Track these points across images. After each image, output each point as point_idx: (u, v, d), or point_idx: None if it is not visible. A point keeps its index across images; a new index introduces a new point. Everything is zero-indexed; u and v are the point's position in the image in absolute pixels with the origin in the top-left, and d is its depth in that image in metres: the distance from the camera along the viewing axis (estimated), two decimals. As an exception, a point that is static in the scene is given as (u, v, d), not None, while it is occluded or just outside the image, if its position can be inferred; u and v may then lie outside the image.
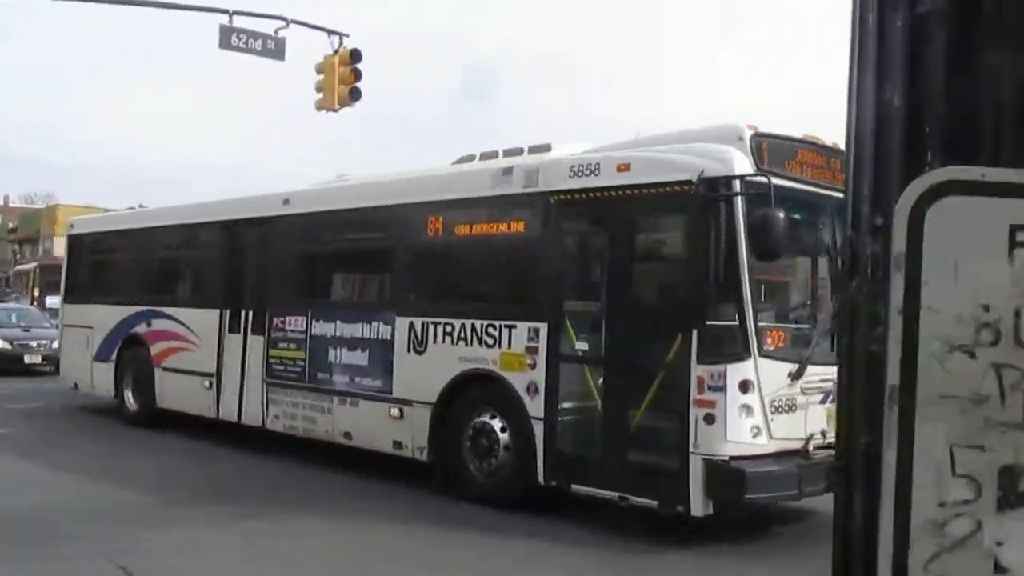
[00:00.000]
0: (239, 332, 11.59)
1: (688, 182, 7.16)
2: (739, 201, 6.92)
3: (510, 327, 8.26)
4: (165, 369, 12.78)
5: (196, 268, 13.01)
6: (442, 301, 9.10)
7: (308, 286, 11.07)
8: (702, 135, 7.46)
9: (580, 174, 7.98)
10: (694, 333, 6.93)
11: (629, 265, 7.88)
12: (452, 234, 9.06)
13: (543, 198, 8.18)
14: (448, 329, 8.79)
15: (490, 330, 8.41)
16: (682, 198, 7.20)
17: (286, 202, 11.17)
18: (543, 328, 8.00)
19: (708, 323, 6.90)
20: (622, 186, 7.67)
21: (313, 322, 10.41)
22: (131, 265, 14.02)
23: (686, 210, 7.23)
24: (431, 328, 8.94)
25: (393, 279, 9.80)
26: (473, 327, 8.55)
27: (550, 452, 7.83)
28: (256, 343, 11.21)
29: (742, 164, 7.07)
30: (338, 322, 10.08)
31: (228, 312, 11.86)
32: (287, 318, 10.75)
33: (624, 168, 7.71)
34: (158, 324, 12.90)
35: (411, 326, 9.14)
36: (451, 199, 8.98)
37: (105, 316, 13.93)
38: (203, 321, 12.10)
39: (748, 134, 7.22)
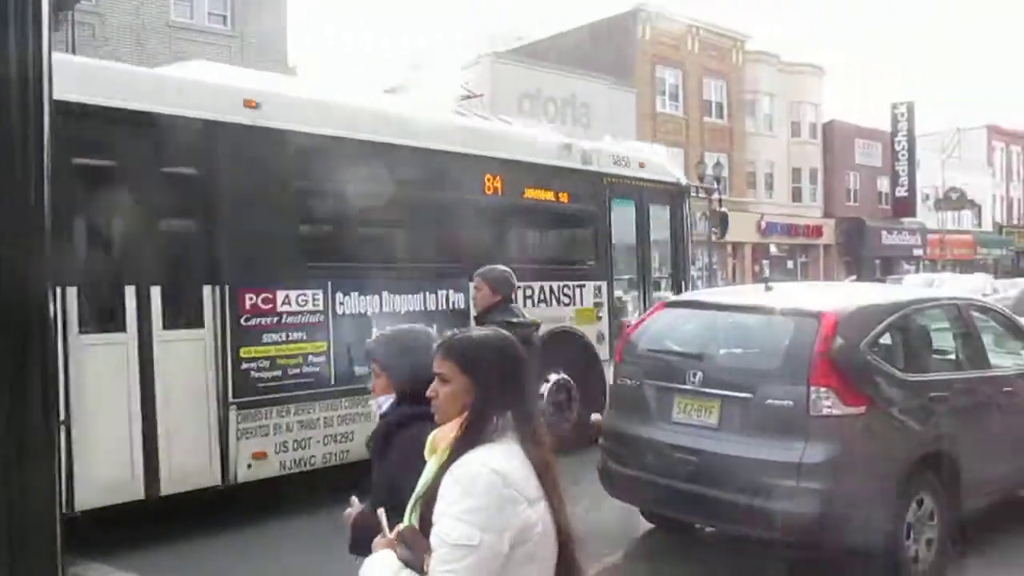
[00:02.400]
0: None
1: (673, 183, 10.89)
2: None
3: (580, 286, 9.78)
4: None
5: None
6: (519, 263, 7.94)
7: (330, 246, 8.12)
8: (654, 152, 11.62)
9: (619, 164, 10.35)
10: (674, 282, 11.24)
11: (641, 233, 10.78)
12: (520, 195, 9.24)
13: (598, 176, 10.05)
14: (528, 292, 9.08)
15: (565, 290, 9.57)
16: (670, 193, 10.87)
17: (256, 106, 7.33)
18: (603, 286, 10.04)
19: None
20: (640, 178, 10.56)
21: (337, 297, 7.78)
22: None
23: (672, 201, 10.91)
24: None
25: (463, 241, 8.74)
26: (551, 288, 9.41)
27: None
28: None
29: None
30: (384, 293, 8.09)
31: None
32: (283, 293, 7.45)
33: (642, 166, 10.63)
34: None
35: None
36: (523, 160, 9.20)
37: None
38: None
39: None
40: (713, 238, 29.47)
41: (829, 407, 5.60)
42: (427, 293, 8.36)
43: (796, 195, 46.27)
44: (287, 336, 7.39)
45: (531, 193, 9.31)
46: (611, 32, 36.16)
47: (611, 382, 6.72)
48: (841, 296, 6.85)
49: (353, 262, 7.91)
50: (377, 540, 2.41)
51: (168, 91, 6.79)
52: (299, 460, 7.44)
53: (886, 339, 6.45)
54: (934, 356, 6.98)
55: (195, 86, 7.03)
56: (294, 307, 7.40)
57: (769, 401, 5.75)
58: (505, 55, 33.36)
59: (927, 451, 6.02)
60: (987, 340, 7.40)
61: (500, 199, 9.04)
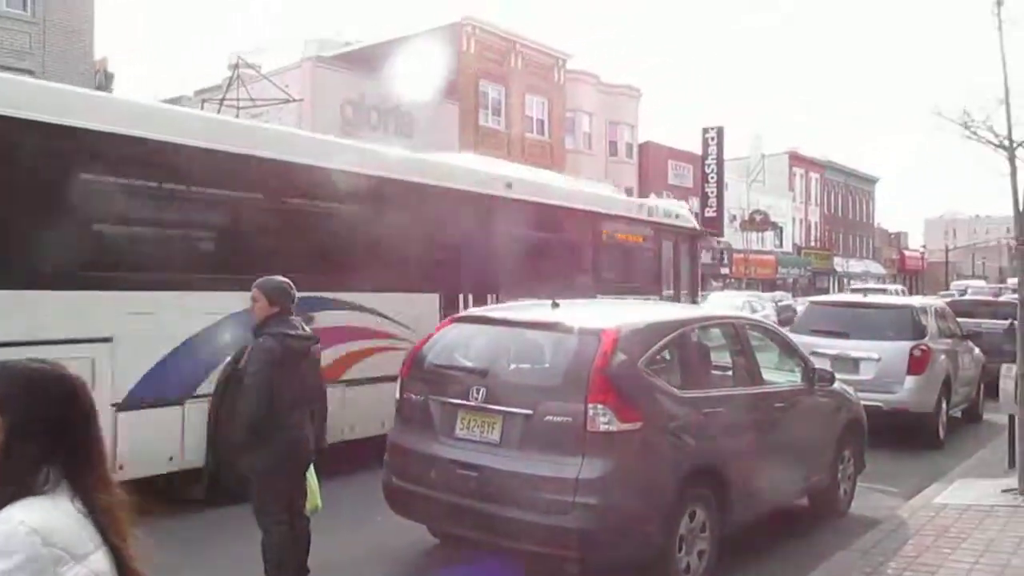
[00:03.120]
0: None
1: (695, 229, 16.99)
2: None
3: (647, 297, 14.92)
4: (349, 383, 9.59)
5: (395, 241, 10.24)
6: (611, 284, 14.19)
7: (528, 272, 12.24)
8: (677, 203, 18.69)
9: (668, 216, 16.14)
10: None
11: (677, 265, 16.41)
12: (615, 237, 14.93)
13: (656, 224, 15.82)
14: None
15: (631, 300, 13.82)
16: (690, 236, 16.66)
17: (509, 186, 12.40)
18: (655, 299, 15.41)
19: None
20: (677, 226, 16.31)
21: None
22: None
23: (691, 242, 16.63)
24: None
25: (584, 268, 13.91)
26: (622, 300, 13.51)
27: None
28: None
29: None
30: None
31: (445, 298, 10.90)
32: None
33: (676, 217, 16.41)
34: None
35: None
36: (617, 214, 14.98)
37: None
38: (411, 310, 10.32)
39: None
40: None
41: (606, 423, 5.69)
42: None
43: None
44: None
45: (621, 236, 15.04)
46: (436, 44, 35.70)
47: (397, 396, 6.73)
48: (625, 314, 7.00)
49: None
50: None
51: (457, 172, 11.59)
52: None
53: (665, 356, 6.63)
54: (711, 373, 7.27)
55: (469, 172, 11.84)
56: None
57: (549, 418, 5.80)
58: (327, 60, 32.61)
59: (699, 465, 6.21)
60: (762, 358, 7.76)
61: (603, 240, 14.55)
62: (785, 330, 9.93)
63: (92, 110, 7.47)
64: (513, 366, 6.60)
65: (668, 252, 16.47)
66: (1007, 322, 15.52)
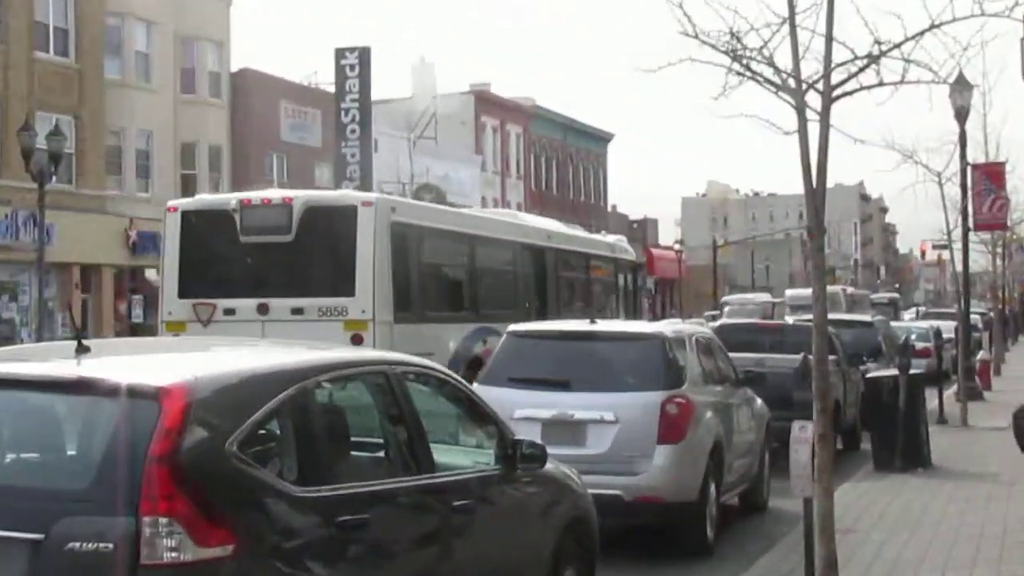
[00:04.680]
0: None
1: (635, 262, 38.58)
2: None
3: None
4: None
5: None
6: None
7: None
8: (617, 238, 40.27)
9: (616, 251, 35.84)
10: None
11: (620, 291, 35.47)
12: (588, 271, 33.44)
13: (615, 260, 35.54)
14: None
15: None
16: (633, 267, 37.51)
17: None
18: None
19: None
20: (622, 259, 36.04)
21: None
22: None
23: (633, 271, 37.46)
24: None
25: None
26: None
27: None
28: None
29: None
30: None
31: None
32: None
33: (623, 251, 37.01)
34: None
35: None
36: (593, 253, 33.72)
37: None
38: None
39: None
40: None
41: (174, 550, 5.65)
42: None
43: (189, 187, 47.30)
44: None
45: (593, 270, 33.58)
46: None
47: None
48: (198, 360, 7.02)
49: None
50: None
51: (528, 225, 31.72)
52: None
53: (273, 430, 6.69)
54: (349, 456, 7.42)
55: (517, 227, 29.80)
56: None
57: (72, 547, 5.65)
58: None
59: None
60: (433, 427, 8.01)
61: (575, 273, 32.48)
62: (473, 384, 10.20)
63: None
64: (9, 457, 6.44)
65: (619, 282, 35.16)
66: (799, 357, 17.05)
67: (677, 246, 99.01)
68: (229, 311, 21.12)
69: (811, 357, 10.21)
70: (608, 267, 34.55)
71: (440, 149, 65.51)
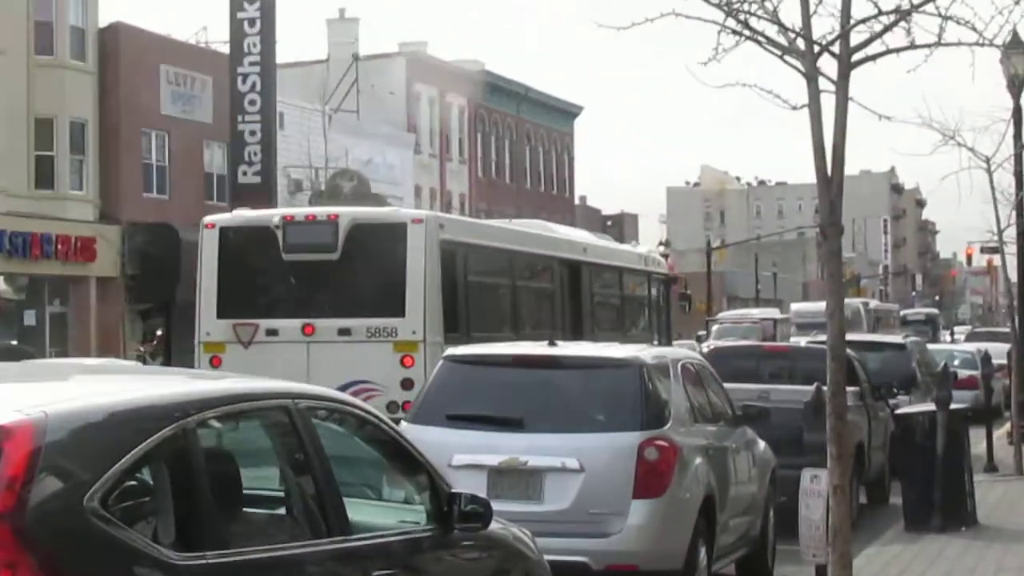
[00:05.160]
0: None
1: (668, 276, 44.89)
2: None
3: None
4: None
5: None
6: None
7: None
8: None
9: (648, 264, 41.57)
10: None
11: (653, 309, 41.51)
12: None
13: (648, 273, 41.10)
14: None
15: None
16: (665, 281, 43.18)
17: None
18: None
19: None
20: (655, 272, 41.65)
21: None
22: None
23: (665, 286, 43.06)
24: None
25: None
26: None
27: None
28: None
29: None
30: None
31: None
32: None
33: (655, 263, 43.27)
34: None
35: None
36: (625, 266, 39.04)
37: None
38: None
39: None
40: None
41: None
42: None
43: (43, 177, 47.62)
44: None
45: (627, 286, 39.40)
46: None
47: None
48: (51, 391, 6.94)
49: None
50: None
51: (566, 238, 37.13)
52: None
53: (143, 481, 6.65)
54: (242, 513, 7.36)
55: (553, 240, 34.52)
56: None
57: None
58: None
59: None
60: (349, 476, 8.06)
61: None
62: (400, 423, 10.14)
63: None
64: None
65: (653, 295, 40.39)
66: (811, 388, 16.91)
67: (662, 248, 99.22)
68: (272, 332, 24.14)
69: (825, 388, 10.26)
70: (641, 282, 39.52)
71: (363, 125, 65.38)
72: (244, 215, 26.92)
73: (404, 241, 23.81)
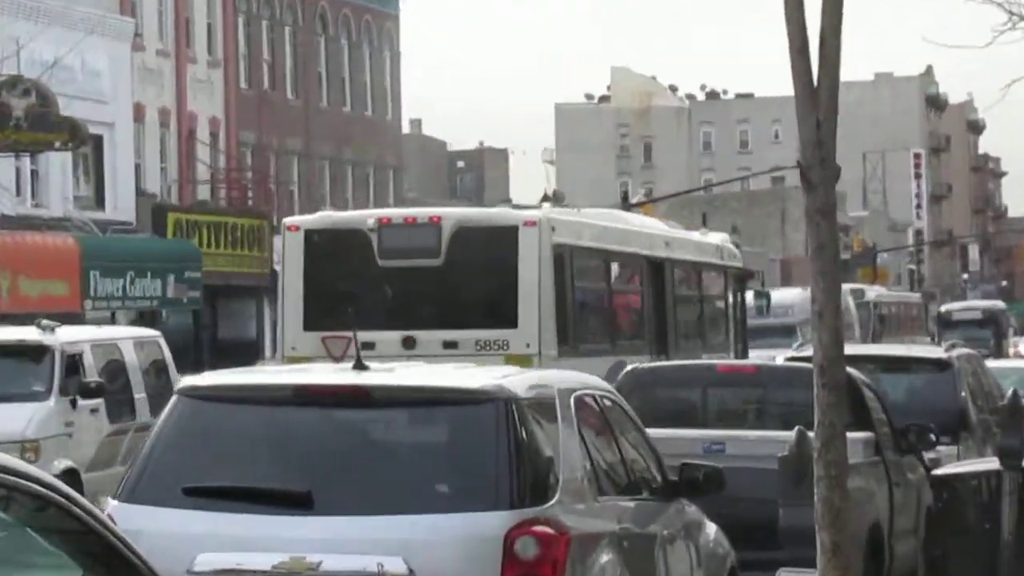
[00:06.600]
0: None
1: (745, 270, 61.31)
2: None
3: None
4: None
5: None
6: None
7: None
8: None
9: (724, 256, 56.44)
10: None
11: (731, 313, 55.86)
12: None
13: (725, 269, 56.11)
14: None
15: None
16: (741, 277, 59.81)
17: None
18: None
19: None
20: (731, 267, 58.94)
21: None
22: None
23: (741, 283, 59.17)
24: None
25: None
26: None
27: None
28: None
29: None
30: None
31: None
32: None
33: (731, 256, 59.73)
34: None
35: None
36: (704, 261, 52.23)
37: None
38: None
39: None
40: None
41: None
42: None
43: None
44: None
45: (705, 285, 53.02)
46: None
47: None
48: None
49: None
50: None
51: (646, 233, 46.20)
52: None
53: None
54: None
55: (640, 235, 47.02)
56: None
57: None
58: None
59: None
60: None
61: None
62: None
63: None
64: None
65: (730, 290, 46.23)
66: (789, 435, 17.28)
67: (547, 206, 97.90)
68: (368, 345, 27.12)
69: (813, 434, 9.90)
70: (719, 279, 46.78)
71: (51, 6, 64.44)
72: (331, 216, 33.37)
73: (515, 246, 30.59)
